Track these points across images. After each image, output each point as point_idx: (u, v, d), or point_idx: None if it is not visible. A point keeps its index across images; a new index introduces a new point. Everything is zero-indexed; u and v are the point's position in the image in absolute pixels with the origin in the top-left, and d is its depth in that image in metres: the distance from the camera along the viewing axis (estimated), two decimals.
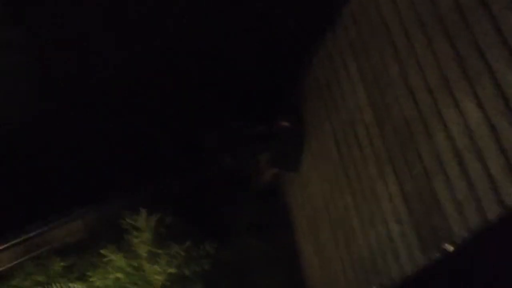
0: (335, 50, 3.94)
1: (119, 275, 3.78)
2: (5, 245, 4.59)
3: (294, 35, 3.80)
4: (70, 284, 3.95)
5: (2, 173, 4.78)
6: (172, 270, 3.81)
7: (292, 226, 4.92)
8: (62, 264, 4.61)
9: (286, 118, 4.60)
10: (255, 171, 5.25)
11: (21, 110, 3.96)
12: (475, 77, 2.43)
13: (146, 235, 3.79)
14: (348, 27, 3.72)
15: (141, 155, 4.52)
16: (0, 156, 4.46)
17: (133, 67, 3.72)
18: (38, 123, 4.00)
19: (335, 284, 3.96)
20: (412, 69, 2.96)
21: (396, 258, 3.14)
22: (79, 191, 4.60)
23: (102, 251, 3.90)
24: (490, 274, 2.52)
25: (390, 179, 3.21)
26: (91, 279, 4.04)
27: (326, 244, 4.15)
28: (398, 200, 3.12)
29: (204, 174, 5.15)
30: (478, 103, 2.42)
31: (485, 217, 2.37)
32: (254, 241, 4.76)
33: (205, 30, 3.61)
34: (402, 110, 3.06)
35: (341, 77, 3.85)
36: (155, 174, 4.70)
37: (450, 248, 2.47)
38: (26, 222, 4.91)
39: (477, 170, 2.42)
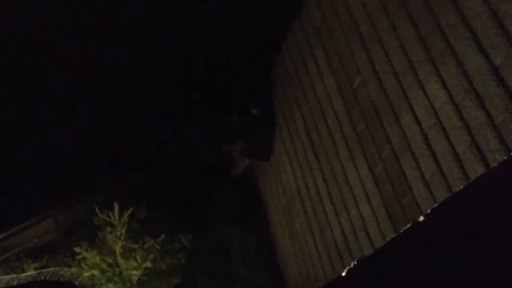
0: (301, 37, 3.98)
1: (94, 272, 3.73)
2: None
3: (262, 22, 3.80)
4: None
5: None
6: (148, 265, 3.78)
7: (268, 215, 4.97)
8: (34, 265, 4.53)
9: (257, 108, 4.63)
10: (230, 162, 5.26)
11: None
12: (439, 59, 2.51)
13: (120, 230, 3.75)
14: (313, 14, 3.76)
15: (114, 150, 4.46)
16: None
17: (105, 61, 3.65)
18: (5, 122, 3.89)
19: (311, 269, 4.03)
20: (377, 54, 3.02)
21: (368, 237, 3.21)
22: (50, 190, 4.50)
23: (75, 249, 3.83)
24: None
25: (360, 162, 3.28)
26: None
27: (300, 231, 4.21)
28: (369, 182, 3.19)
29: (181, 167, 5.13)
30: (442, 83, 2.49)
31: (451, 192, 2.45)
32: (232, 231, 4.77)
33: (176, 23, 3.58)
34: (370, 94, 3.13)
35: (309, 64, 3.90)
36: (129, 169, 4.65)
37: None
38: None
39: (444, 148, 2.50)
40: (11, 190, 4.90)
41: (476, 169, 2.32)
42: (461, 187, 2.41)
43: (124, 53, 3.70)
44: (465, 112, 2.37)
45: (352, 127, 3.38)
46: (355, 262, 3.38)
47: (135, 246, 3.76)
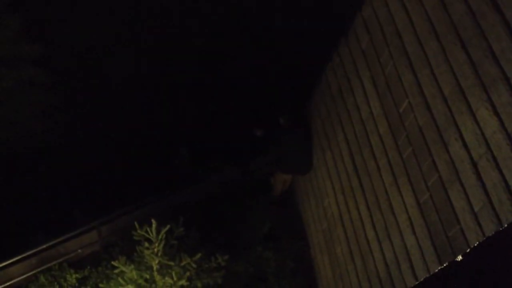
0: (347, 58, 3.90)
1: (131, 287, 3.74)
2: (18, 258, 4.61)
3: (307, 40, 3.77)
4: None
5: (20, 187, 4.83)
6: (183, 283, 3.75)
7: (307, 238, 4.85)
8: (76, 275, 4.61)
9: (286, 117, 4.53)
10: (268, 181, 5.20)
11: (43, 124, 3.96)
12: (490, 84, 2.37)
13: (157, 246, 3.75)
14: (360, 36, 3.69)
15: (155, 164, 4.52)
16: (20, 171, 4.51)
17: (163, 86, 3.73)
18: (54, 137, 4.03)
19: None
20: (426, 77, 2.90)
21: (411, 269, 3.05)
22: (93, 203, 4.61)
23: (113, 263, 3.86)
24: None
25: (406, 189, 3.14)
26: None
27: (341, 257, 4.07)
28: (414, 211, 3.04)
29: (218, 186, 5.13)
30: (493, 110, 2.35)
31: (501, 226, 2.29)
32: (268, 252, 4.68)
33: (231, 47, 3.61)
34: (417, 119, 3.00)
35: (354, 86, 3.81)
36: (169, 185, 4.70)
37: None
38: (43, 233, 4.95)
39: (494, 179, 2.34)
40: (59, 201, 5.06)
41: None
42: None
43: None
44: None
45: (398, 152, 3.25)
46: None
47: (172, 263, 3.74)
